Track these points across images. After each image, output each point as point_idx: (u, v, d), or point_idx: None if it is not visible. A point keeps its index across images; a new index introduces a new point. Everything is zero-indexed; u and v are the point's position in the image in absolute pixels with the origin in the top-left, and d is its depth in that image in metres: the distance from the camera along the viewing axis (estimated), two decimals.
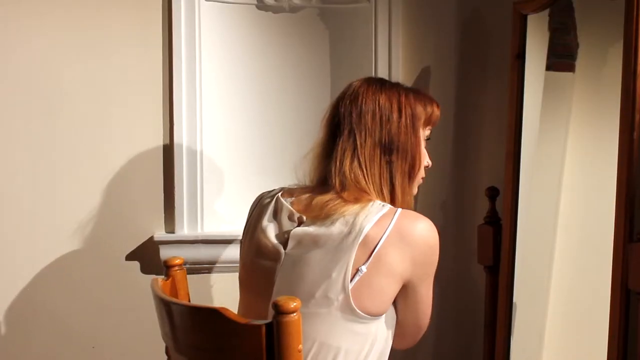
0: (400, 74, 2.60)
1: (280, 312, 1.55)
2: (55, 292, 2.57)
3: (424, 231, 1.81)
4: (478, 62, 2.59)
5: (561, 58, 2.50)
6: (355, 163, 1.85)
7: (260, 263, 1.88)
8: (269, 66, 2.67)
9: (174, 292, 1.95)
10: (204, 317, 1.66)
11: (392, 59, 2.60)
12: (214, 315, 1.62)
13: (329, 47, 2.68)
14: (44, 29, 2.51)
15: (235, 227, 2.63)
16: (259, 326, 1.57)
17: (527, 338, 2.41)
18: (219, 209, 2.64)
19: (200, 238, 2.56)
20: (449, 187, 2.63)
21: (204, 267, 2.59)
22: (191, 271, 2.57)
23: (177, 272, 1.97)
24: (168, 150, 2.57)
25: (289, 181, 2.63)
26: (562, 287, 2.33)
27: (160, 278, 1.91)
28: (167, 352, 1.91)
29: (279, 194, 1.98)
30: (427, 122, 1.94)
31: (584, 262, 2.25)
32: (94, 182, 2.56)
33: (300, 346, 1.58)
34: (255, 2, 2.65)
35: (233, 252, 2.57)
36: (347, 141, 1.86)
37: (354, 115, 1.87)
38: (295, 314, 1.56)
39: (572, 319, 2.30)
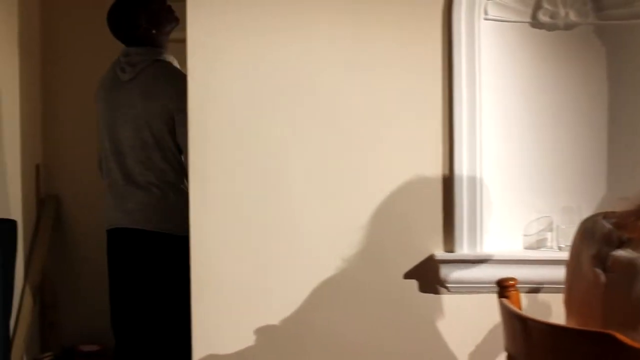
0: None
1: None
2: (333, 308, 2.60)
3: None
4: None
5: None
6: None
7: (587, 287, 1.86)
8: (542, 85, 2.64)
9: None
10: (587, 341, 1.64)
11: None
12: (605, 340, 1.59)
13: (606, 65, 2.63)
14: (324, 48, 2.57)
15: (515, 246, 2.62)
16: None
17: None
18: (496, 227, 2.62)
19: (482, 257, 2.54)
20: None
21: (485, 287, 2.57)
22: (472, 291, 2.58)
23: (513, 293, 1.95)
24: (448, 168, 2.57)
25: (564, 201, 2.62)
26: None
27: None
28: None
29: (599, 217, 1.95)
30: None
31: None
32: (373, 200, 2.58)
33: None
34: (530, 20, 2.63)
35: (516, 272, 2.53)
36: None
37: None
38: None
39: None
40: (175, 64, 3.14)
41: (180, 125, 2.94)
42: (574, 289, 1.91)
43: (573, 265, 1.94)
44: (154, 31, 3.10)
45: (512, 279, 1.98)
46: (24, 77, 3.73)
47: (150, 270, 3.08)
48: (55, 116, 4.02)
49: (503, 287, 1.96)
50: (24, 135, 3.73)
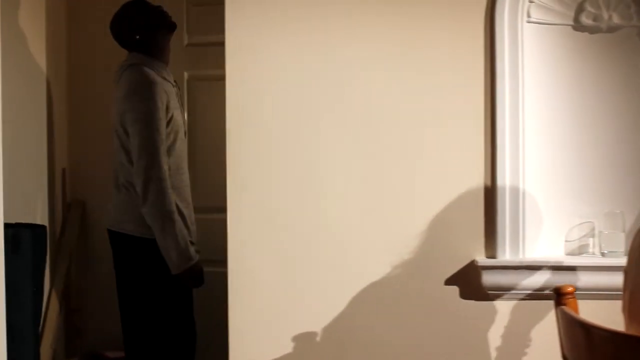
0: None
1: None
2: (373, 314, 2.58)
3: None
4: None
5: None
6: None
7: None
8: (585, 88, 2.61)
9: None
10: None
11: None
12: None
13: None
14: (365, 51, 2.56)
15: (556, 252, 2.59)
16: None
17: None
18: (538, 233, 2.58)
19: (524, 263, 2.51)
20: None
21: (526, 293, 2.53)
22: (514, 297, 2.55)
23: (570, 300, 1.92)
24: (490, 174, 2.55)
25: (607, 206, 2.59)
26: None
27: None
28: None
29: None
30: None
31: None
32: (415, 206, 2.56)
33: None
34: (572, 23, 2.60)
35: (558, 279, 2.49)
36: None
37: None
38: None
39: None
40: (157, 70, 3.10)
41: (129, 125, 3.03)
42: (638, 296, 1.87)
43: (634, 271, 1.89)
44: (137, 37, 3.14)
45: (571, 286, 1.94)
46: (50, 81, 3.70)
47: (119, 270, 3.20)
48: (81, 120, 3.99)
49: (561, 295, 1.92)
50: (50, 140, 3.71)
